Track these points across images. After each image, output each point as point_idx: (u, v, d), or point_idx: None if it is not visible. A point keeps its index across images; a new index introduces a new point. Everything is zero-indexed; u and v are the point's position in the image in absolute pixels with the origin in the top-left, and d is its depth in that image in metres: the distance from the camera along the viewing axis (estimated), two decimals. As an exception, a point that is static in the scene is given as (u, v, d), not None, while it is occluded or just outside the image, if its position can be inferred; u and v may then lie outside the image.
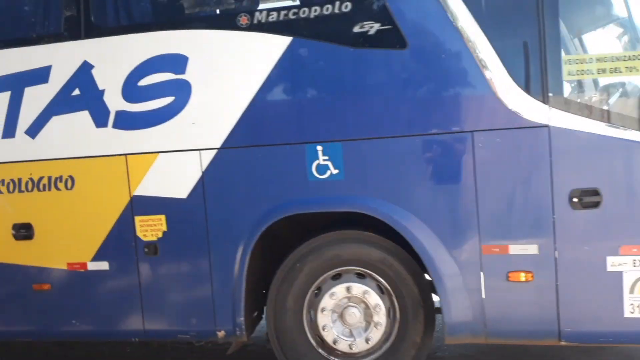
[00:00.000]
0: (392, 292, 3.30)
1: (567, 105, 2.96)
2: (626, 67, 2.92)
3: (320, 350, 3.38)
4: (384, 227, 3.23)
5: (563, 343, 3.05)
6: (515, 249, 3.03)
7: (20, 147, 3.62)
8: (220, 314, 3.43)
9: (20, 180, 3.64)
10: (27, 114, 3.59)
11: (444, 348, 4.00)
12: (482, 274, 3.08)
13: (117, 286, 3.56)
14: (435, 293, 3.27)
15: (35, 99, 3.57)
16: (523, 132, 2.98)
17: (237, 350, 3.62)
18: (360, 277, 3.34)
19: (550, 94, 2.93)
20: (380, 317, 3.29)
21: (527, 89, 2.97)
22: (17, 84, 3.60)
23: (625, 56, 2.98)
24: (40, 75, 3.56)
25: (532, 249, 3.01)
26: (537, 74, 2.96)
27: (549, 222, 2.96)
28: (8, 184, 3.67)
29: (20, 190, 3.65)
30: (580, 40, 3.48)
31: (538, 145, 2.97)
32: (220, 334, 3.45)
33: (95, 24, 3.54)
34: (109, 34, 3.52)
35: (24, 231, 3.66)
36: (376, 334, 3.31)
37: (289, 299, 3.37)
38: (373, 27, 3.11)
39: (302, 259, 3.35)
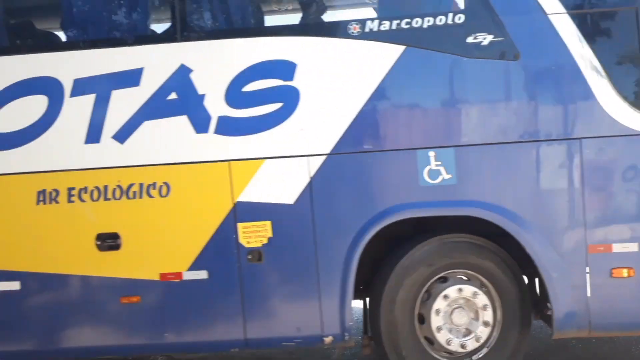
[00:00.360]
0: (495, 293, 3.46)
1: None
2: None
3: (429, 350, 3.48)
4: (486, 230, 3.39)
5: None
6: (618, 247, 3.29)
7: (106, 153, 3.44)
8: (328, 320, 3.44)
9: (106, 187, 3.45)
10: (115, 119, 3.42)
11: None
12: (587, 272, 3.31)
13: (217, 295, 3.47)
14: (532, 293, 3.49)
15: (124, 102, 3.41)
16: (625, 140, 3.25)
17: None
18: (465, 279, 3.48)
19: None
20: (488, 316, 3.44)
21: (628, 99, 3.23)
22: (103, 86, 3.42)
23: None
24: (130, 78, 3.41)
25: (633, 247, 3.28)
26: (638, 86, 3.24)
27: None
28: (92, 191, 3.47)
29: (106, 199, 3.46)
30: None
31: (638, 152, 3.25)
32: (328, 339, 3.45)
33: (194, 27, 3.44)
34: (209, 37, 3.44)
35: (110, 241, 3.47)
36: (484, 333, 3.45)
37: (400, 300, 3.44)
38: (486, 38, 3.26)
39: (414, 262, 3.43)
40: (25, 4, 4.04)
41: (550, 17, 3.24)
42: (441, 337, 3.44)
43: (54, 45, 3.78)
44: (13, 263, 3.52)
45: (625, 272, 3.29)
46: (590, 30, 3.28)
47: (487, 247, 3.44)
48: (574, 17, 3.25)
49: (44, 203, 3.47)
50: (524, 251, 3.33)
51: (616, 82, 3.24)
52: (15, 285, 3.51)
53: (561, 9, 3.24)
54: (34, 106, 3.44)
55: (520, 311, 3.48)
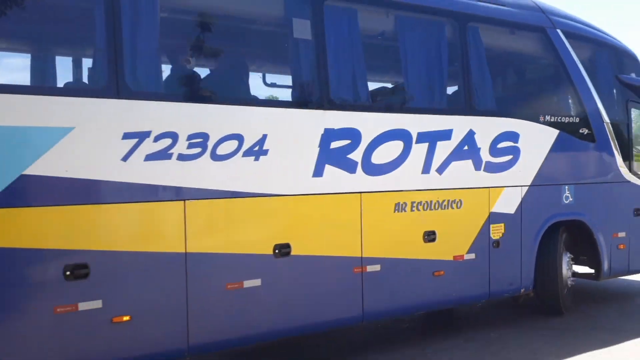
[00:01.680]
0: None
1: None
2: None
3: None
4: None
5: None
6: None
7: (432, 180, 5.44)
8: (524, 278, 6.11)
9: (430, 202, 5.44)
10: (438, 159, 5.47)
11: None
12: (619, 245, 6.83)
13: (478, 267, 5.76)
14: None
15: (442, 149, 5.50)
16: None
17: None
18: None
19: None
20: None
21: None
22: (432, 138, 5.44)
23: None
24: (445, 135, 5.52)
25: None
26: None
27: None
28: (423, 204, 5.40)
29: (430, 209, 5.44)
30: None
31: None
32: (523, 290, 6.12)
33: (478, 106, 5.76)
34: (485, 114, 5.82)
35: (429, 236, 5.43)
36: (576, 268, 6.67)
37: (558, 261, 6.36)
38: (585, 131, 6.53)
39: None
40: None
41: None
42: (565, 272, 6.47)
43: (411, 109, 5.58)
44: (375, 251, 5.12)
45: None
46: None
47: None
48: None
49: (398, 211, 5.25)
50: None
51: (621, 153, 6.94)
52: (377, 268, 5.13)
53: None
54: (395, 147, 5.23)
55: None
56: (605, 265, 6.75)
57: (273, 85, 5.95)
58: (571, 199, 6.44)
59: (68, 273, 3.81)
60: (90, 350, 3.94)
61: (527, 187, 6.10)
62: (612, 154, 6.79)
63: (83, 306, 3.87)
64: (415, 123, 5.35)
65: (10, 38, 5.08)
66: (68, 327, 3.85)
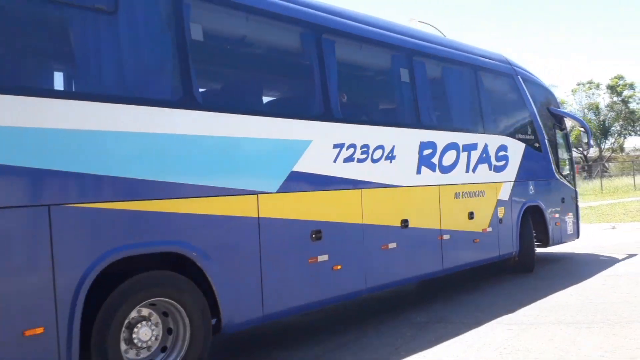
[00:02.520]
0: None
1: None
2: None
3: None
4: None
5: None
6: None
7: (469, 177, 8.05)
8: (515, 245, 8.94)
9: (470, 192, 8.05)
10: (472, 163, 8.11)
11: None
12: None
13: (492, 239, 8.46)
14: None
15: (474, 156, 8.15)
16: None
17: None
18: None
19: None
20: None
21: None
22: (469, 149, 8.06)
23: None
24: (474, 146, 8.19)
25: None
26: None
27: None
28: (467, 193, 7.98)
29: (470, 197, 8.05)
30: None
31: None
32: (514, 253, 8.95)
33: (488, 128, 8.54)
34: (491, 133, 8.60)
35: (471, 215, 8.01)
36: None
37: (531, 233, 9.29)
38: (536, 145, 9.69)
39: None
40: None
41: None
42: (534, 241, 9.51)
43: (459, 128, 8.06)
44: (447, 225, 7.55)
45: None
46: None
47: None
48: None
49: (456, 198, 7.78)
50: None
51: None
52: (448, 237, 7.56)
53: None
54: (452, 155, 7.76)
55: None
56: (550, 236, 9.90)
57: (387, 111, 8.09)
58: (533, 191, 9.50)
59: (313, 236, 5.71)
60: (322, 287, 5.84)
61: (513, 183, 9.00)
62: (549, 161, 10.04)
63: (320, 258, 5.77)
64: (461, 138, 7.94)
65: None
66: (313, 272, 5.72)
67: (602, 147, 47.82)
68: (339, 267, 5.97)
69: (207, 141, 4.93)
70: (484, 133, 8.50)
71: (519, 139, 9.25)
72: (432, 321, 6.55)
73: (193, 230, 4.73)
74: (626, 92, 45.94)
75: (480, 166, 8.28)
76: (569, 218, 10.53)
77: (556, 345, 5.29)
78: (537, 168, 9.79)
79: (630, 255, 10.59)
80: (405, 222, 6.88)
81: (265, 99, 6.17)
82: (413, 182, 7.11)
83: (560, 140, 10.50)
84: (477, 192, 8.22)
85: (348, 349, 5.66)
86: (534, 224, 9.62)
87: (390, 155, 6.72)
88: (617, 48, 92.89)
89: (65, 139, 4.00)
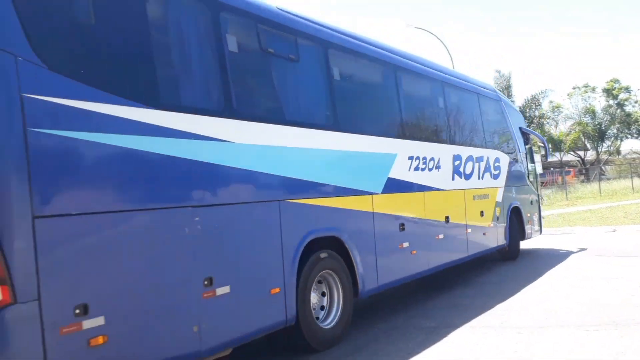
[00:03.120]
0: None
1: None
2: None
3: None
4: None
5: None
6: None
7: (480, 183, 10.10)
8: (506, 237, 11.10)
9: (481, 195, 10.09)
10: (481, 171, 10.18)
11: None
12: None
13: (493, 232, 10.55)
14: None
15: (483, 166, 10.23)
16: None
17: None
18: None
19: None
20: None
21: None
22: (479, 160, 10.12)
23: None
24: (482, 159, 10.27)
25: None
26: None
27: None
28: (478, 196, 10.01)
29: (481, 199, 10.10)
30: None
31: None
32: (506, 243, 11.10)
33: (489, 144, 10.67)
34: (491, 148, 10.74)
35: (481, 213, 10.05)
36: None
37: (515, 227, 11.54)
38: (516, 157, 12.00)
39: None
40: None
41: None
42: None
43: (474, 144, 10.11)
44: (470, 221, 9.53)
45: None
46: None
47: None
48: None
49: (474, 199, 9.80)
50: None
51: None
52: (470, 230, 9.54)
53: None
54: (470, 164, 9.78)
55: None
56: (526, 232, 12.20)
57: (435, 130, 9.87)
58: (514, 194, 11.76)
59: (400, 227, 7.44)
60: (407, 267, 7.59)
61: (503, 188, 11.19)
62: (523, 170, 12.40)
63: (404, 245, 7.51)
64: (474, 152, 9.99)
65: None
66: (401, 255, 7.46)
67: (599, 150, 47.20)
68: (415, 252, 7.73)
69: (347, 154, 6.60)
70: (487, 148, 10.63)
71: (505, 152, 11.48)
72: (441, 326, 6.63)
73: (341, 220, 6.35)
74: (622, 96, 45.46)
75: (485, 174, 10.39)
76: (536, 216, 12.95)
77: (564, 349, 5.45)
78: (517, 175, 12.08)
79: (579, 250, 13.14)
80: (447, 218, 8.77)
81: (372, 123, 7.84)
82: (450, 186, 9.07)
83: (527, 153, 12.93)
84: (484, 195, 10.31)
85: (360, 354, 5.79)
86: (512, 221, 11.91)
87: (438, 165, 8.60)
88: (612, 51, 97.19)
89: (284, 153, 5.55)
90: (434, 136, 8.98)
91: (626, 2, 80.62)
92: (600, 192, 31.48)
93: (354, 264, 6.42)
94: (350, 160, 6.67)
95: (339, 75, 6.69)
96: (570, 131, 44.58)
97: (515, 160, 12.01)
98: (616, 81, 45.39)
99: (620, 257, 11.03)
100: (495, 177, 10.85)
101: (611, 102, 45.42)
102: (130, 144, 4.06)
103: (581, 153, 48.35)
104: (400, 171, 7.59)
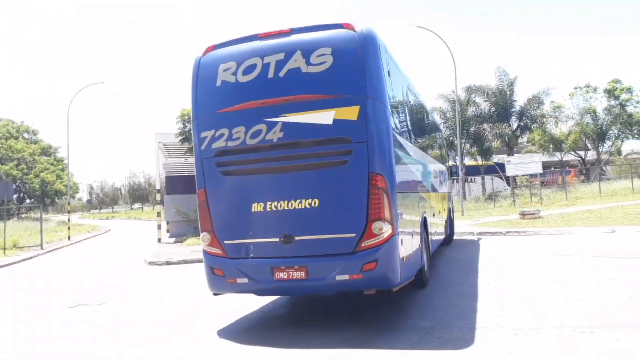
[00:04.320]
0: None
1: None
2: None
3: None
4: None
5: None
6: None
7: (441, 188, 11.30)
8: (449, 229, 11.06)
9: (444, 195, 11.53)
10: (441, 180, 12.14)
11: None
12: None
13: (448, 224, 12.14)
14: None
15: (442, 176, 12.05)
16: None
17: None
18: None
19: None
20: None
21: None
22: (439, 173, 11.05)
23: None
24: (441, 171, 11.54)
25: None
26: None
27: None
28: (443, 197, 11.85)
29: (444, 200, 11.91)
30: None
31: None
32: (448, 234, 11.07)
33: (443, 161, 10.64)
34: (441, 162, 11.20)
35: (447, 210, 10.09)
36: None
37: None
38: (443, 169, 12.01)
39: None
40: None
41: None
42: None
43: (438, 161, 11.56)
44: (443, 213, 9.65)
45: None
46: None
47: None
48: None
49: (444, 200, 11.23)
50: None
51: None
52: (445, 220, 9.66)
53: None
54: (437, 176, 11.67)
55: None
56: (453, 226, 15.60)
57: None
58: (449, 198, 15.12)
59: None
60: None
61: (448, 193, 14.71)
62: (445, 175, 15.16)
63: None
64: (442, 167, 13.55)
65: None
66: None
67: (600, 150, 46.06)
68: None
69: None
70: (441, 163, 13.97)
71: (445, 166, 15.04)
72: (437, 327, 6.46)
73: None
74: (623, 96, 44.77)
75: (443, 183, 13.63)
76: (453, 214, 16.47)
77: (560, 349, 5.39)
78: (446, 183, 14.68)
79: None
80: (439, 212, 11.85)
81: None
82: (442, 190, 12.80)
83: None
84: (445, 197, 13.73)
85: (356, 353, 5.72)
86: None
87: (443, 175, 13.38)
88: (614, 52, 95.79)
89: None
90: (437, 158, 12.40)
91: (627, 3, 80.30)
92: (600, 193, 30.85)
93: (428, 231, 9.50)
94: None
95: None
96: (570, 131, 44.09)
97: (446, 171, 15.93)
98: (618, 81, 44.98)
99: (618, 258, 10.65)
100: (444, 185, 14.07)
101: (613, 102, 44.48)
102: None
103: (582, 153, 47.78)
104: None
